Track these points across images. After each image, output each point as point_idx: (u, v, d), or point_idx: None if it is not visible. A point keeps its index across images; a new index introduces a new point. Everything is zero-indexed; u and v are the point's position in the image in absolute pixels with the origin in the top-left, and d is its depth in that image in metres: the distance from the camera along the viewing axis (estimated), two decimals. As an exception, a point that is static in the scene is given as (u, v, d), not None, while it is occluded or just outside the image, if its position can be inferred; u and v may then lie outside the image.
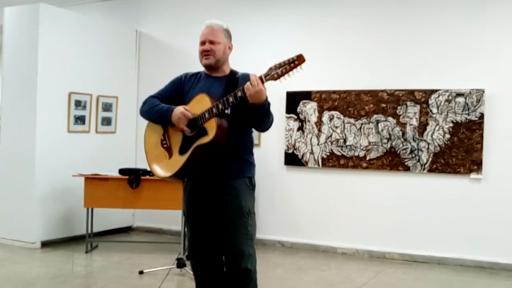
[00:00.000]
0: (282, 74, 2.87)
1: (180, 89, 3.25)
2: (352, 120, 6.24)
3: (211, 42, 3.14)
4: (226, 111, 2.98)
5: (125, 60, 7.41)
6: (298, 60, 2.84)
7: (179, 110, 3.06)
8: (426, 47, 5.96)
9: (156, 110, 3.18)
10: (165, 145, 3.17)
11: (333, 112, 6.33)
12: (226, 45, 3.18)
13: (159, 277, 4.99)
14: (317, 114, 6.39)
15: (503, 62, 5.67)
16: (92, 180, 6.01)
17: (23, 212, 6.23)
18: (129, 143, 7.38)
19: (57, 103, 6.42)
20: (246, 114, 3.01)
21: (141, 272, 5.17)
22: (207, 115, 2.97)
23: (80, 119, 6.69)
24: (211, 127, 2.96)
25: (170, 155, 3.13)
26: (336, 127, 6.32)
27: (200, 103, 3.02)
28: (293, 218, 6.58)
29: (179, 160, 3.06)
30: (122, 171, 6.07)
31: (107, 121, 7.05)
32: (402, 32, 6.09)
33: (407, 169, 6.00)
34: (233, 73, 3.20)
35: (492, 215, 5.66)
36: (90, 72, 6.80)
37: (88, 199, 6.01)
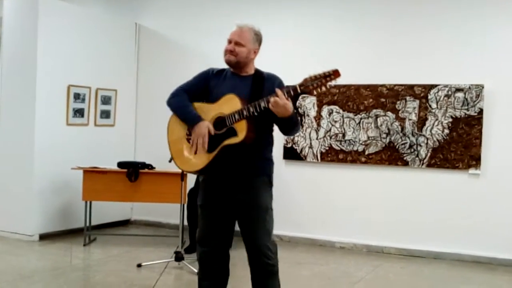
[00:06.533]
0: (317, 87, 2.92)
1: (206, 84, 3.29)
2: (351, 115, 6.24)
3: (236, 43, 3.19)
4: (255, 114, 3.04)
5: (124, 53, 7.38)
6: (334, 75, 2.90)
7: (202, 133, 3.09)
8: (425, 42, 5.95)
9: (183, 112, 3.23)
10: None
11: (332, 107, 6.32)
12: (251, 50, 3.23)
13: (157, 270, 4.99)
14: (316, 108, 6.39)
15: (502, 58, 5.66)
16: (91, 173, 6.00)
17: (21, 204, 6.23)
18: (128, 136, 7.38)
19: (56, 96, 6.41)
20: (273, 117, 3.07)
21: (139, 265, 5.17)
22: (237, 116, 3.03)
23: (79, 112, 6.67)
24: (241, 128, 3.02)
25: (196, 151, 3.17)
26: (335, 122, 6.31)
27: (229, 103, 3.08)
28: (292, 213, 6.57)
29: (205, 157, 3.12)
30: (120, 164, 6.06)
31: (106, 114, 7.04)
32: (402, 27, 6.08)
33: (405, 164, 6.00)
34: (258, 72, 3.26)
35: (490, 210, 5.66)
36: (89, 65, 6.78)
37: (86, 192, 6.00)
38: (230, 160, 3.11)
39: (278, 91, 2.94)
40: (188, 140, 3.20)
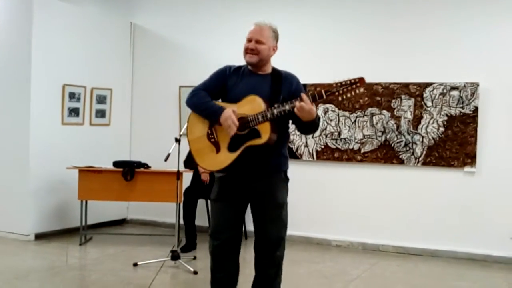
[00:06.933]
0: (343, 93, 3.00)
1: (224, 82, 3.29)
2: (346, 113, 6.25)
3: (257, 41, 3.20)
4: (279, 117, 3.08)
5: (119, 52, 7.37)
6: (359, 83, 3.01)
7: (229, 115, 3.07)
8: (421, 40, 5.96)
9: (205, 107, 3.22)
10: (212, 139, 3.22)
11: (327, 105, 6.33)
12: (271, 47, 3.25)
13: (153, 269, 4.99)
14: (311, 107, 6.38)
15: (497, 56, 5.67)
16: (86, 173, 5.99)
17: (17, 204, 6.22)
18: (123, 136, 7.37)
19: (51, 95, 6.39)
20: (294, 118, 3.13)
21: (135, 265, 5.16)
22: (260, 118, 3.05)
23: (74, 112, 6.66)
24: (265, 130, 3.06)
25: (218, 150, 3.19)
26: (331, 120, 6.32)
27: (251, 104, 3.10)
28: (288, 211, 6.56)
29: (228, 157, 3.14)
30: (116, 164, 6.05)
31: (101, 114, 7.03)
32: (397, 25, 6.08)
33: (401, 162, 6.01)
34: (276, 71, 3.29)
35: (485, 208, 5.68)
36: (84, 64, 6.77)
37: (82, 192, 6.00)
38: (249, 158, 3.14)
39: (304, 96, 2.98)
40: (209, 138, 3.21)
